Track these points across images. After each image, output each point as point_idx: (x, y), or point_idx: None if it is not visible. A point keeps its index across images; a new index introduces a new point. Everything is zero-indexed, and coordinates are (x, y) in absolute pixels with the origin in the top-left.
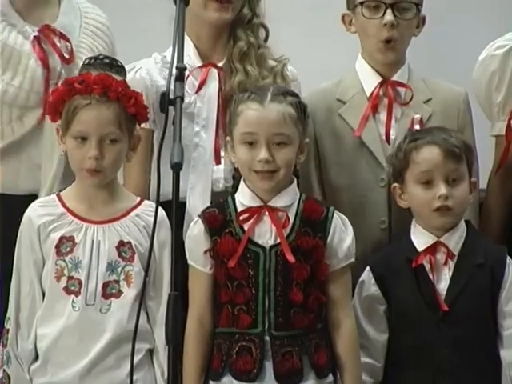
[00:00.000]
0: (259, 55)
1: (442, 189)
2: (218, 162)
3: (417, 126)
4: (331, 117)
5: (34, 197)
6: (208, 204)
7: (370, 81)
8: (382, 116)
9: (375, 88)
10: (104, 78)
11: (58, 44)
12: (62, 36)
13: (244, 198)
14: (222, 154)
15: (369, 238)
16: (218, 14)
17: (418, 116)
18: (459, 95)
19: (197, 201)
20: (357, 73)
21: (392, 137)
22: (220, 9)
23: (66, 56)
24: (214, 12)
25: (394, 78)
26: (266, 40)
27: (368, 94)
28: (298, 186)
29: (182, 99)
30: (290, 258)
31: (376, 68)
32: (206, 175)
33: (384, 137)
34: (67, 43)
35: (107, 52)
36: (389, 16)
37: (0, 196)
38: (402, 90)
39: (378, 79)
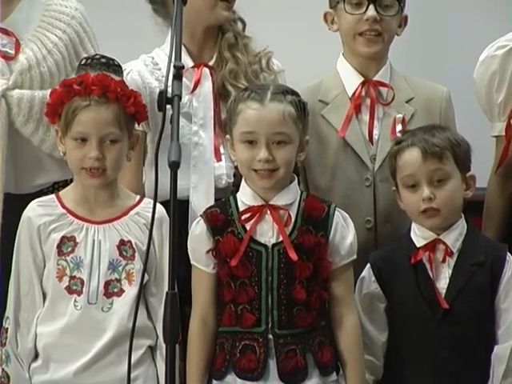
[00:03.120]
0: (245, 44)
1: (424, 191)
2: (219, 159)
3: (399, 126)
4: (314, 118)
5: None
6: (212, 201)
7: (351, 81)
8: (365, 116)
9: (357, 88)
10: (103, 79)
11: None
12: (5, 32)
13: (245, 197)
14: (222, 150)
15: None
16: (227, 14)
17: (399, 115)
18: (441, 93)
19: (201, 199)
20: (338, 73)
21: (375, 137)
22: (228, 8)
23: (11, 51)
24: (222, 11)
25: (376, 77)
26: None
27: (350, 94)
28: (299, 184)
29: (180, 97)
30: (293, 256)
31: (357, 68)
32: (208, 173)
33: (367, 137)
34: (12, 38)
35: (63, 41)
36: (371, 12)
37: None
38: (383, 89)
39: (360, 79)
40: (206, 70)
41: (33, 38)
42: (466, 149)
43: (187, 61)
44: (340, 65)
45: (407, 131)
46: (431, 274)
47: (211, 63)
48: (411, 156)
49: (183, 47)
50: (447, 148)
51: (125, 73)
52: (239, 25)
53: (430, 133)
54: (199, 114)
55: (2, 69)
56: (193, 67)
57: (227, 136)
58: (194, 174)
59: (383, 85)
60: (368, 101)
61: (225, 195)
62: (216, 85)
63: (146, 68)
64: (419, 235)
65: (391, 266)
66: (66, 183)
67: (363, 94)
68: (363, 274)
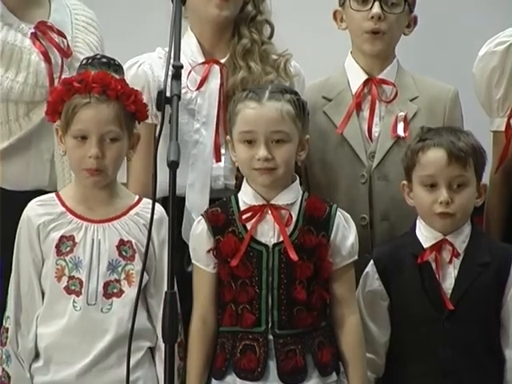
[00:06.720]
0: (262, 51)
1: (443, 194)
2: (219, 160)
3: (401, 124)
4: (316, 114)
5: (41, 192)
6: (207, 201)
7: (356, 78)
8: (366, 113)
9: (359, 85)
10: (103, 77)
11: (56, 39)
12: (58, 32)
13: (247, 196)
14: (223, 151)
15: None
16: (218, 11)
17: (402, 114)
18: (447, 92)
19: (196, 198)
20: (345, 70)
21: (375, 134)
22: (220, 5)
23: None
24: (214, 8)
25: (381, 75)
26: (271, 36)
27: (354, 92)
28: (301, 184)
29: (179, 97)
30: (293, 256)
31: (363, 66)
32: (205, 172)
33: (366, 134)
34: (63, 39)
35: (99, 46)
36: (376, 9)
37: (4, 192)
38: (387, 87)
39: (364, 77)
40: (216, 67)
41: (78, 39)
42: (484, 158)
43: (198, 56)
44: (347, 63)
45: (431, 129)
46: (437, 275)
47: (223, 61)
48: (436, 156)
49: (196, 42)
50: (471, 155)
51: (136, 65)
52: (266, 28)
53: (455, 136)
54: (203, 112)
55: (64, 66)
56: (202, 63)
57: (227, 137)
58: (192, 172)
59: (386, 82)
60: (370, 98)
61: (221, 196)
62: (225, 85)
63: (159, 61)
64: (426, 235)
65: (395, 263)
66: None
67: (365, 91)
68: (367, 269)
